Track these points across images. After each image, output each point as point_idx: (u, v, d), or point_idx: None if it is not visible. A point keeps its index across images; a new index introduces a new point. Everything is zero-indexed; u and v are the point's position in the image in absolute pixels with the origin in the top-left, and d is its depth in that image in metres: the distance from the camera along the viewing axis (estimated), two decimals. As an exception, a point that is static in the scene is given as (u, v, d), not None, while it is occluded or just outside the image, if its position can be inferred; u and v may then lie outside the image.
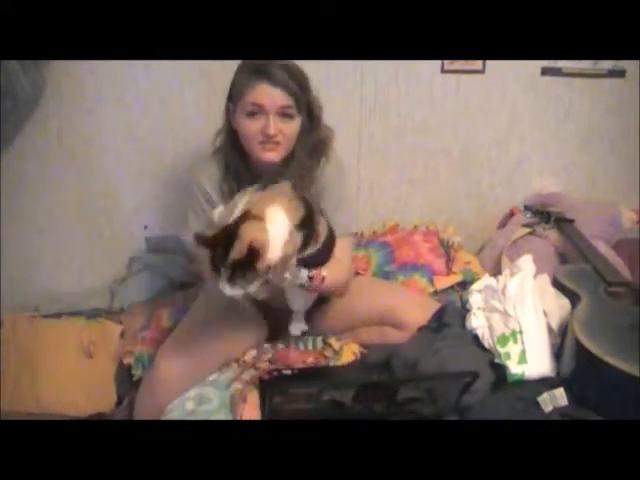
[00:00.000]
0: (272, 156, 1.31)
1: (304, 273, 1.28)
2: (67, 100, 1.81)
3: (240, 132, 1.32)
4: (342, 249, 1.41)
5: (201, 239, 1.09)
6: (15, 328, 1.79)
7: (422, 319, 1.45)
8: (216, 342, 1.40)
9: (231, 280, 1.08)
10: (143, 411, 1.40)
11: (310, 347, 1.50)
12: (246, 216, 1.10)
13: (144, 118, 1.86)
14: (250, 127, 1.28)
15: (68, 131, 1.84)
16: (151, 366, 1.41)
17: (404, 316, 1.45)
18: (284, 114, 1.28)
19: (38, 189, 1.89)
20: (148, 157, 1.91)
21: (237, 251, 1.05)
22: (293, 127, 1.30)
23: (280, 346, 1.51)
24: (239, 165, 1.36)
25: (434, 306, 1.51)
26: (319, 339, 1.51)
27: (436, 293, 1.71)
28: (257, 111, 1.27)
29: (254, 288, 1.10)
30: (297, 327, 1.48)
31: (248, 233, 1.06)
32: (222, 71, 1.77)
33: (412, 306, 1.49)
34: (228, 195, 1.34)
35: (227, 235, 1.07)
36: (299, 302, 1.43)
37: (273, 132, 1.26)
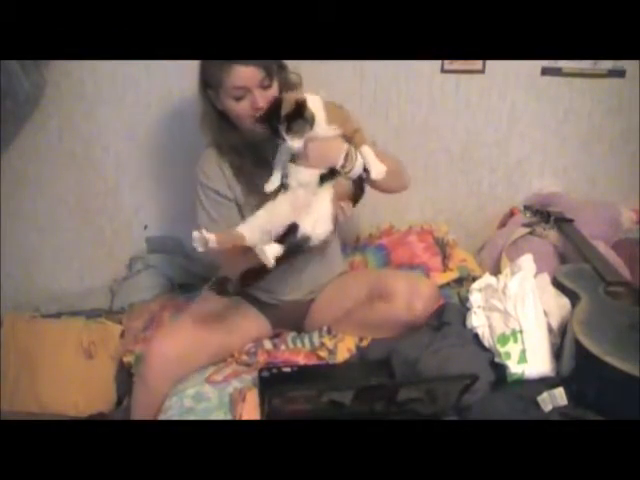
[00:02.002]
0: None
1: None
2: (67, 100, 1.81)
3: (231, 113, 1.39)
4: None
5: (259, 118, 1.33)
6: (15, 328, 1.79)
7: (408, 289, 1.44)
8: (213, 330, 1.42)
9: (289, 131, 1.28)
10: (138, 402, 1.41)
11: (307, 344, 1.51)
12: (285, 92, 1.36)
13: (144, 118, 1.86)
14: (241, 108, 1.36)
15: (68, 131, 1.84)
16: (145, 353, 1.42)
17: (389, 285, 1.45)
18: (263, 86, 1.35)
19: (38, 189, 1.89)
20: (148, 157, 1.91)
21: (286, 107, 1.28)
22: (272, 94, 1.37)
23: (276, 340, 1.53)
24: (235, 140, 1.43)
25: (420, 278, 1.55)
26: (315, 335, 1.52)
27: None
28: (242, 93, 1.34)
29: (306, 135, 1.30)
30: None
31: (290, 95, 1.32)
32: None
33: (397, 277, 1.54)
34: (236, 171, 1.44)
35: (275, 104, 1.30)
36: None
37: (262, 104, 1.34)
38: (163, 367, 1.35)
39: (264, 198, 1.37)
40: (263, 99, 1.34)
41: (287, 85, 1.43)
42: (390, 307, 1.43)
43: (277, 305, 1.55)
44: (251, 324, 1.53)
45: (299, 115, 1.29)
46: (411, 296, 1.42)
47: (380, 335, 1.48)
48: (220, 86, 1.35)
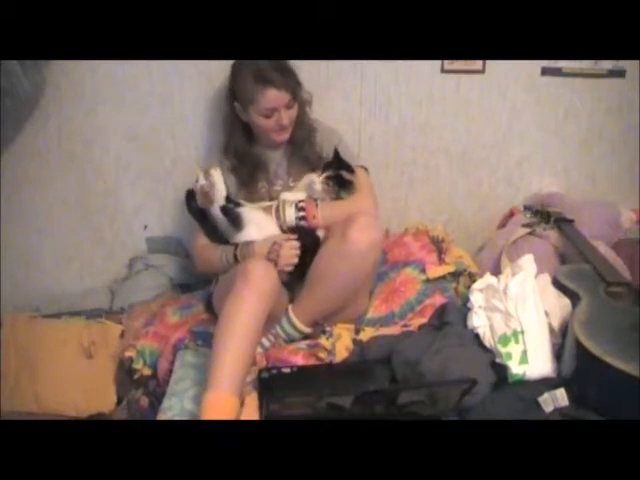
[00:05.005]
0: (284, 138, 1.62)
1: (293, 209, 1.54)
2: (67, 100, 1.81)
3: (257, 127, 1.60)
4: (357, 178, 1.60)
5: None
6: (15, 328, 1.79)
7: (346, 223, 1.45)
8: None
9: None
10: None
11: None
12: None
13: (144, 118, 1.86)
14: (268, 124, 1.57)
15: (68, 131, 1.85)
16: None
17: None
18: (288, 106, 1.57)
19: (38, 189, 1.89)
20: (148, 157, 1.91)
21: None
22: (293, 112, 1.60)
23: (272, 339, 1.52)
24: (244, 146, 1.64)
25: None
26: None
27: (428, 281, 1.70)
28: (271, 113, 1.55)
29: None
30: None
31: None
32: (222, 71, 1.79)
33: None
34: (234, 171, 1.63)
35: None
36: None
37: (286, 123, 1.57)
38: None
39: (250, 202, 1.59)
40: (287, 117, 1.56)
41: (302, 103, 1.63)
42: (332, 244, 1.47)
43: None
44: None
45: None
46: (346, 228, 1.44)
47: (344, 290, 1.50)
48: (251, 104, 1.54)
